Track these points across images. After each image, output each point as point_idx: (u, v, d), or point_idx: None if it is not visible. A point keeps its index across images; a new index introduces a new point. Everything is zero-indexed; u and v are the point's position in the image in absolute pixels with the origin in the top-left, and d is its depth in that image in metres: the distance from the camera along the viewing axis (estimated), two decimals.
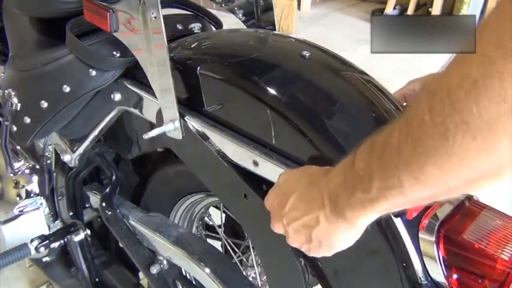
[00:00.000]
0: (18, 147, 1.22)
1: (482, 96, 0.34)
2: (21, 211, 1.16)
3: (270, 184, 0.69)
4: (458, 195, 0.45)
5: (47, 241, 1.07)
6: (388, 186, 0.43)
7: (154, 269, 0.95)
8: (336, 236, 0.53)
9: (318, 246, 0.56)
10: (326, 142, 0.65)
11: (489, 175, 0.38)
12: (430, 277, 0.61)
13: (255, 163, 0.70)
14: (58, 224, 1.18)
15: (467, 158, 0.37)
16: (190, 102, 0.79)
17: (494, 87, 0.33)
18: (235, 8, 1.03)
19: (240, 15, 1.03)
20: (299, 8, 4.02)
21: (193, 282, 1.04)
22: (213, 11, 1.03)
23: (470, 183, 0.39)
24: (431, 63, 3.12)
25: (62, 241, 1.09)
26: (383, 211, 0.47)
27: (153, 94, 0.81)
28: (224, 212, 1.07)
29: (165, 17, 0.95)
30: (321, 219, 0.52)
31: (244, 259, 1.10)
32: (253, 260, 1.04)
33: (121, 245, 1.01)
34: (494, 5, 0.35)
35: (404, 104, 0.77)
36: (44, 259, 1.24)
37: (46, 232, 1.14)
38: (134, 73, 0.86)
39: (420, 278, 0.61)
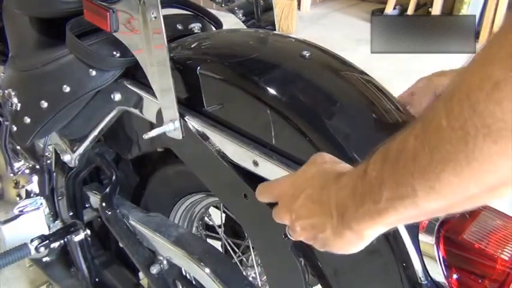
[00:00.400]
0: (18, 147, 1.22)
1: (505, 98, 0.32)
2: (21, 211, 1.16)
3: None
4: (475, 207, 0.43)
5: (47, 241, 1.07)
6: (400, 196, 0.41)
7: (154, 269, 0.95)
8: (341, 245, 0.53)
9: (321, 247, 0.56)
10: (326, 142, 0.65)
11: (509, 181, 0.36)
12: (430, 277, 0.61)
13: (255, 163, 0.70)
14: (58, 224, 1.18)
15: (487, 163, 0.35)
16: (190, 102, 0.79)
17: None
18: (235, 8, 1.03)
19: (240, 15, 1.03)
20: (299, 8, 4.02)
21: (193, 282, 1.04)
22: (213, 11, 1.03)
23: (489, 191, 0.37)
24: (432, 63, 3.12)
25: (62, 241, 1.09)
26: (392, 224, 0.46)
27: (153, 94, 0.80)
28: (224, 212, 1.07)
29: (165, 17, 0.95)
30: (328, 228, 0.52)
31: (244, 259, 1.10)
32: (253, 260, 1.04)
33: (121, 245, 1.01)
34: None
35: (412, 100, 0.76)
36: (44, 259, 1.24)
37: (46, 232, 1.14)
38: (134, 73, 0.86)
39: (420, 278, 0.61)
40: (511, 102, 0.32)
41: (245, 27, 1.03)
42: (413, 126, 0.40)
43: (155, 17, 0.69)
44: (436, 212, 0.44)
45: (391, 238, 0.61)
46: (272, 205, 0.61)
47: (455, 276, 0.59)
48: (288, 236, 0.59)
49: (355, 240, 0.51)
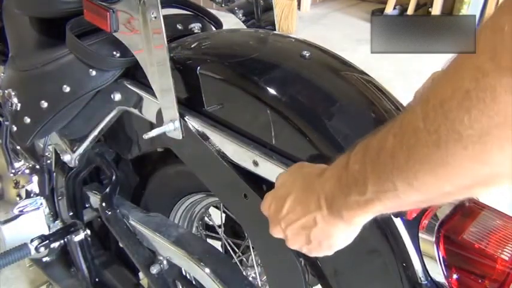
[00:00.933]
0: (18, 147, 1.22)
1: (474, 108, 0.34)
2: (21, 211, 1.16)
3: (270, 184, 0.70)
4: (454, 200, 0.45)
5: (47, 241, 1.07)
6: (383, 190, 0.43)
7: (154, 269, 0.95)
8: (335, 235, 0.53)
9: (318, 246, 0.56)
10: (326, 142, 0.65)
11: (483, 183, 0.38)
12: (430, 277, 0.61)
13: (255, 163, 0.70)
14: (58, 224, 1.18)
15: (459, 167, 0.37)
16: (190, 102, 0.79)
17: (486, 100, 0.33)
18: (235, 8, 1.03)
19: (240, 15, 1.03)
20: (299, 8, 4.02)
21: (193, 282, 1.04)
22: (213, 11, 1.03)
23: (464, 189, 0.39)
24: (432, 63, 3.12)
25: (62, 241, 1.09)
26: (380, 211, 0.48)
27: (153, 94, 0.80)
28: (224, 212, 1.07)
29: (165, 17, 0.95)
30: (319, 220, 0.52)
31: (244, 259, 1.10)
32: (253, 260, 1.04)
33: (121, 245, 1.01)
34: (492, 12, 0.35)
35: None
36: (44, 259, 1.24)
37: (46, 232, 1.14)
38: (134, 73, 0.86)
39: (420, 278, 0.61)
40: (479, 112, 0.33)
41: (245, 27, 1.03)
42: (393, 125, 0.42)
43: (155, 17, 0.69)
44: (419, 203, 0.45)
45: (391, 238, 0.61)
46: None
47: (455, 276, 0.59)
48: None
49: (346, 229, 0.52)
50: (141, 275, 1.16)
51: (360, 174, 0.45)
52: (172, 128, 0.76)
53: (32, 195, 1.20)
